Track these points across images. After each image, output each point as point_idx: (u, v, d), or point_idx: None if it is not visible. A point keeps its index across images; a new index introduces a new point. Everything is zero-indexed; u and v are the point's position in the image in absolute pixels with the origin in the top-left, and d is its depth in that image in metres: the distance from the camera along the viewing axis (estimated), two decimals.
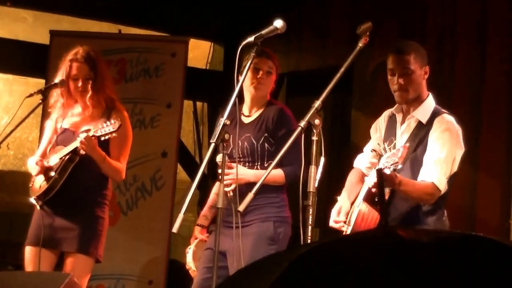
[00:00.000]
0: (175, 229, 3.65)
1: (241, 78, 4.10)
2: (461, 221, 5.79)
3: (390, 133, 4.37)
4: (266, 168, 4.31)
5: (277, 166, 3.77)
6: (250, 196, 3.60)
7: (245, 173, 4.62)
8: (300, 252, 1.49)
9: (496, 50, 5.81)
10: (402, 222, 4.16)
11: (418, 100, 4.26)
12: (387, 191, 4.06)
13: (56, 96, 4.91)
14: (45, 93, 4.88)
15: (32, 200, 4.85)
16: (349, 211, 4.23)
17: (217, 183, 4.76)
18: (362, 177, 4.44)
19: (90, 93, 4.81)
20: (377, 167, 3.95)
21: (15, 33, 7.72)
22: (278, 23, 3.99)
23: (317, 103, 3.70)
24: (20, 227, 5.10)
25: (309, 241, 3.73)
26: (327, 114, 6.72)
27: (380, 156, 4.39)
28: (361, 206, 4.14)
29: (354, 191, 4.33)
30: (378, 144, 4.45)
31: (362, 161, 4.55)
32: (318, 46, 7.34)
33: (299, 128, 3.68)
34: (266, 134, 4.68)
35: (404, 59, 4.19)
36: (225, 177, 4.07)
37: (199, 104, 8.41)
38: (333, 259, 1.46)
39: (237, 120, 4.43)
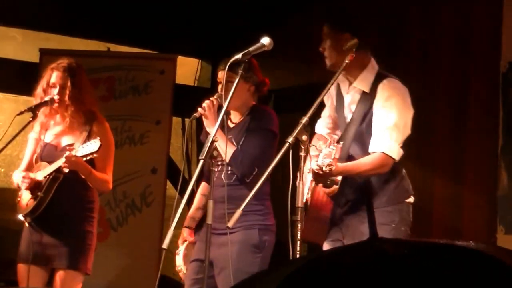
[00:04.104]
0: (165, 245, 3.63)
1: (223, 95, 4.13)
2: (447, 235, 5.81)
3: (339, 104, 4.34)
4: None
5: (266, 179, 3.76)
6: (238, 212, 3.57)
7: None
8: (288, 271, 1.50)
9: (480, 64, 5.84)
10: (362, 194, 4.15)
11: (358, 68, 4.16)
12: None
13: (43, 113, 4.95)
14: (34, 111, 4.89)
15: (21, 217, 4.87)
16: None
17: (202, 184, 4.80)
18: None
19: (67, 102, 4.83)
20: (315, 165, 3.80)
21: (5, 51, 7.74)
22: (265, 40, 4.02)
23: (305, 119, 3.72)
24: (10, 244, 5.10)
25: (297, 256, 3.76)
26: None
27: (335, 123, 4.42)
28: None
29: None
30: (331, 114, 4.46)
31: (322, 127, 4.55)
32: (304, 63, 7.38)
33: (287, 144, 3.70)
34: (245, 134, 4.66)
35: (323, 30, 4.25)
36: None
37: (187, 120, 8.44)
38: (321, 277, 1.47)
39: (225, 126, 4.44)
